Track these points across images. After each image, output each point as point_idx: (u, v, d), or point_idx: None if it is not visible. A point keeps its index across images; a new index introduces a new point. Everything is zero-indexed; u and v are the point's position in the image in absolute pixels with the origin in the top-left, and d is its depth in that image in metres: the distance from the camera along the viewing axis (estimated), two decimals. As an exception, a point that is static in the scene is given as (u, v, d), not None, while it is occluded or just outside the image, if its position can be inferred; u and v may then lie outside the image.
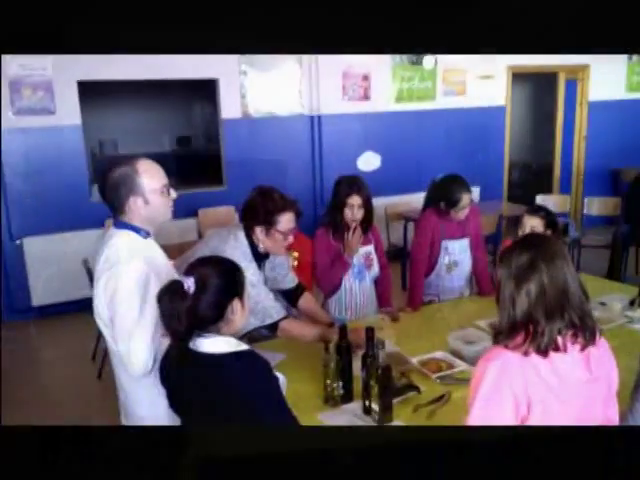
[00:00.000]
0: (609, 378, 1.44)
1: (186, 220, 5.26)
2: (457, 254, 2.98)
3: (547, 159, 7.33)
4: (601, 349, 1.42)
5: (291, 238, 2.31)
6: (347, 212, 2.70)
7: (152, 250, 1.84)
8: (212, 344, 1.54)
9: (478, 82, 6.37)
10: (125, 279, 1.69)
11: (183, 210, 5.15)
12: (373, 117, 6.07)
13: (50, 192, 4.99)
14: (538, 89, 7.38)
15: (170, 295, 1.49)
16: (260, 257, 2.37)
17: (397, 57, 6.06)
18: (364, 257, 2.84)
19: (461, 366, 2.21)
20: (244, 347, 1.58)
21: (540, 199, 5.69)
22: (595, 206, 5.32)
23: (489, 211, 5.33)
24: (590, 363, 1.38)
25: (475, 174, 6.59)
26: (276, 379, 1.60)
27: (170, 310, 1.49)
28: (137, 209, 1.76)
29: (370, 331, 1.98)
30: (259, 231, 2.28)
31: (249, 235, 2.32)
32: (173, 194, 1.84)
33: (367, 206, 2.73)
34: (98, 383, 3.93)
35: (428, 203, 3.04)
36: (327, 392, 2.05)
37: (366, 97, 6.06)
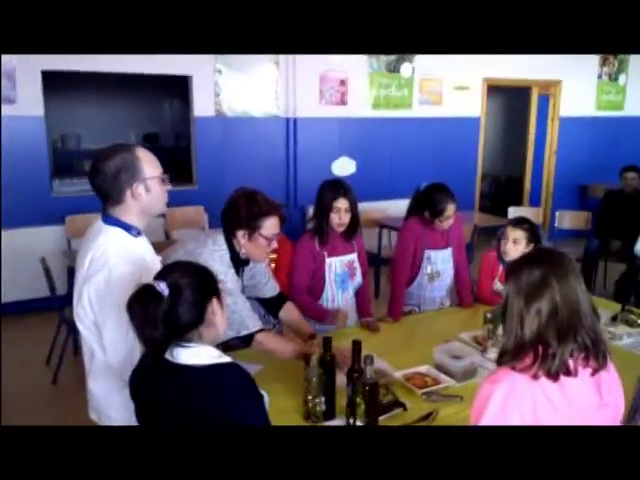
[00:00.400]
0: (617, 404, 1.36)
1: (153, 219, 5.05)
2: (440, 264, 2.91)
3: (516, 171, 7.41)
4: (611, 373, 1.35)
5: (275, 244, 2.19)
6: (333, 217, 2.60)
7: (143, 250, 1.73)
8: (192, 355, 1.41)
9: (454, 92, 6.38)
10: (115, 286, 1.56)
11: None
12: (349, 122, 6.00)
13: (8, 185, 4.71)
14: (512, 102, 7.47)
15: (142, 300, 1.36)
16: (239, 263, 2.24)
17: (374, 64, 6.02)
18: (347, 266, 2.74)
19: (447, 382, 2.12)
20: (226, 359, 1.45)
21: (512, 211, 5.72)
22: (566, 219, 5.38)
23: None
24: (601, 388, 1.30)
25: (448, 184, 6.57)
26: (261, 396, 1.47)
27: (144, 316, 1.36)
28: (138, 197, 1.65)
29: (357, 345, 1.86)
30: (241, 235, 2.15)
31: (229, 240, 2.19)
32: (169, 185, 1.74)
33: (353, 210, 2.64)
34: (53, 389, 3.70)
35: (411, 211, 2.96)
36: (308, 408, 1.93)
37: (343, 102, 5.99)
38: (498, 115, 7.82)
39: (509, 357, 1.30)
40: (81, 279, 1.62)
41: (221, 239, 2.19)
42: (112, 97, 7.70)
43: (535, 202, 7.10)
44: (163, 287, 1.37)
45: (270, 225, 2.15)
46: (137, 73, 5.20)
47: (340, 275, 2.72)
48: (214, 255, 2.12)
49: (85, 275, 1.61)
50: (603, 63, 7.04)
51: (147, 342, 1.39)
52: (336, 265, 2.71)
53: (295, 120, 5.79)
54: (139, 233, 1.73)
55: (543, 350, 1.27)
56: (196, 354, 1.41)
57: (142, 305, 1.36)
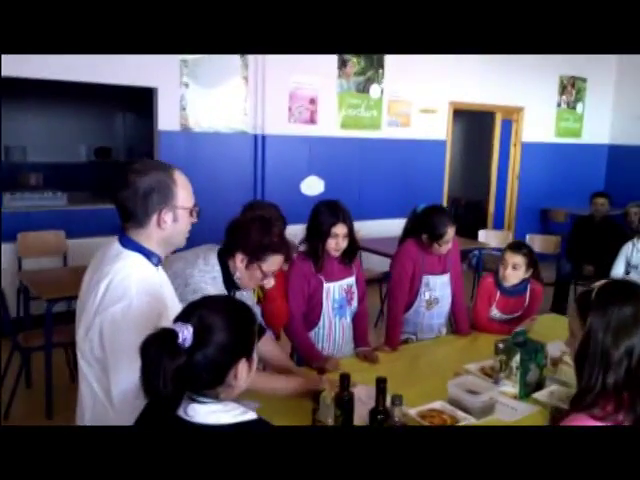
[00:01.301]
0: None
1: (108, 238, 4.69)
2: (438, 290, 2.78)
3: (478, 195, 7.49)
4: None
5: (271, 282, 2.02)
6: (331, 242, 2.42)
7: (161, 282, 1.52)
8: (210, 412, 1.18)
9: (421, 115, 6.40)
10: (133, 319, 1.35)
11: (105, 227, 4.61)
12: (318, 141, 5.88)
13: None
14: (476, 126, 7.59)
15: (158, 348, 1.13)
16: (231, 286, 2.02)
17: (344, 84, 5.95)
18: (346, 290, 2.56)
19: (466, 419, 1.96)
20: (252, 415, 1.22)
21: (482, 234, 5.72)
22: (536, 243, 5.42)
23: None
24: None
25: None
26: None
27: (155, 367, 1.12)
28: (163, 224, 1.46)
29: (382, 383, 1.69)
30: (240, 259, 1.94)
31: (224, 259, 1.98)
32: (196, 219, 1.56)
33: (351, 235, 2.48)
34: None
35: (407, 234, 2.82)
36: (322, 452, 1.72)
37: (312, 121, 5.87)
38: (462, 139, 7.92)
39: (588, 402, 1.16)
40: (92, 309, 1.40)
41: (213, 258, 1.98)
42: (62, 108, 7.29)
43: (498, 225, 7.18)
44: (187, 335, 1.13)
45: (274, 262, 1.97)
46: (98, 83, 4.89)
47: (338, 301, 2.54)
48: (206, 277, 1.91)
49: (98, 304, 1.39)
50: (562, 92, 7.27)
51: (151, 395, 1.15)
52: (334, 291, 2.53)
53: (263, 137, 5.62)
54: (160, 261, 1.53)
55: (630, 395, 1.13)
56: (215, 411, 1.18)
57: (156, 353, 1.12)
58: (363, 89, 6.06)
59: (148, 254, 1.48)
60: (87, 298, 1.43)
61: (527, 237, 5.53)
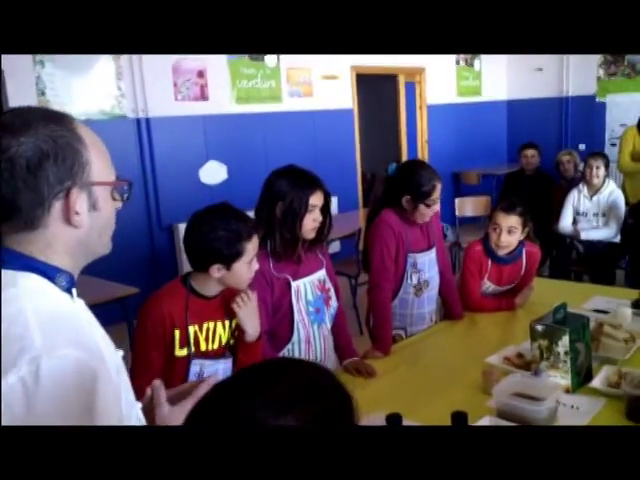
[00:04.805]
0: None
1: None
2: (427, 270, 2.20)
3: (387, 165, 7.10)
4: None
5: None
6: (308, 219, 1.76)
7: (85, 318, 0.85)
8: None
9: (323, 83, 5.82)
10: (56, 394, 0.72)
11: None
12: (213, 120, 5.10)
13: None
14: (380, 92, 7.15)
15: None
16: None
17: (234, 51, 5.20)
18: (319, 286, 1.89)
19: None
20: None
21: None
22: (467, 206, 5.10)
23: (353, 223, 4.80)
24: None
25: (331, 183, 6.00)
26: None
27: None
28: (75, 217, 0.81)
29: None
30: None
31: None
32: (118, 203, 0.90)
33: (327, 208, 1.85)
34: None
35: (383, 201, 2.22)
36: None
37: (203, 97, 5.07)
38: (367, 106, 7.45)
39: None
40: None
41: None
42: None
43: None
44: None
45: None
46: None
47: (313, 303, 1.87)
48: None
49: None
50: (458, 49, 7.04)
51: None
52: (306, 289, 1.85)
53: (148, 120, 4.73)
54: (72, 285, 0.84)
55: None
56: None
57: None
58: (257, 57, 5.35)
59: (49, 273, 0.80)
60: None
61: (456, 201, 5.19)
